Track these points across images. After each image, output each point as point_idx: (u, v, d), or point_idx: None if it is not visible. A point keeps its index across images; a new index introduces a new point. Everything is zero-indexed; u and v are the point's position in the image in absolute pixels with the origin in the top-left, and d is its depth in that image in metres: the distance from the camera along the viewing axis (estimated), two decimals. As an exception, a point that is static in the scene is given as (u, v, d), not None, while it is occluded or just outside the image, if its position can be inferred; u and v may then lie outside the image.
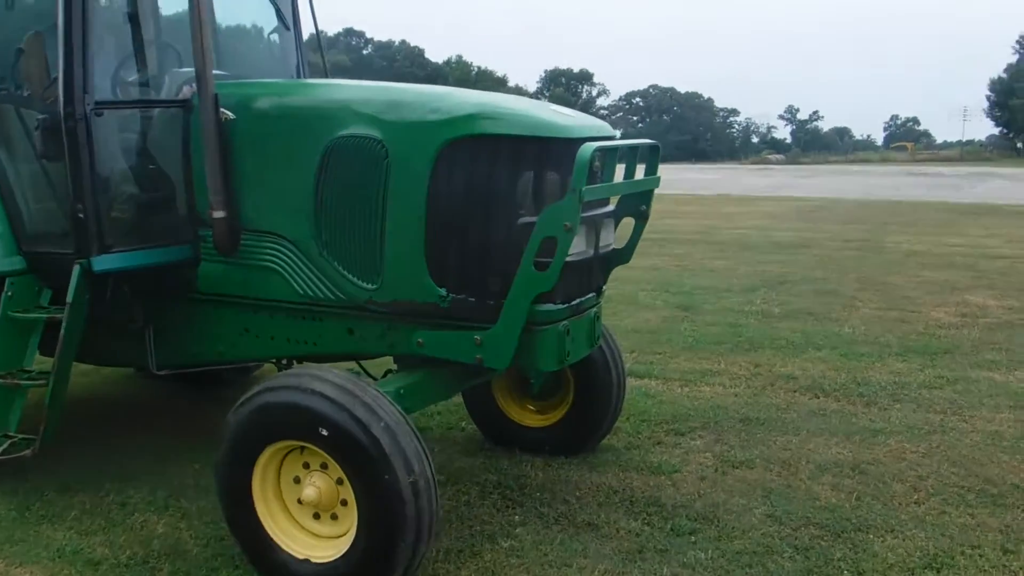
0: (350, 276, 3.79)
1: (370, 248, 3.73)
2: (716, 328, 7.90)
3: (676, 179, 38.98)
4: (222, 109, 3.95)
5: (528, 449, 4.82)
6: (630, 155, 3.96)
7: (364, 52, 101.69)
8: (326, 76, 5.74)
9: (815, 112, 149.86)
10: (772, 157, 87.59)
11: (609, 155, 3.69)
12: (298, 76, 5.51)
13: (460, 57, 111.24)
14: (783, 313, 8.53)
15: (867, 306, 8.90)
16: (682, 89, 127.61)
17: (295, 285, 3.93)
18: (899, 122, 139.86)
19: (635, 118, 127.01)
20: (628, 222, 4.22)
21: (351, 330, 3.95)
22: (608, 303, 8.61)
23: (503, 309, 3.48)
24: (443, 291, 3.58)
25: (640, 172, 4.05)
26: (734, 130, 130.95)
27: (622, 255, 4.25)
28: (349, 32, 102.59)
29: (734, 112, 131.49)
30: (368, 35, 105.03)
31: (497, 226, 3.55)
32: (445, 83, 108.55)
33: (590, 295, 3.97)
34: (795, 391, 6.02)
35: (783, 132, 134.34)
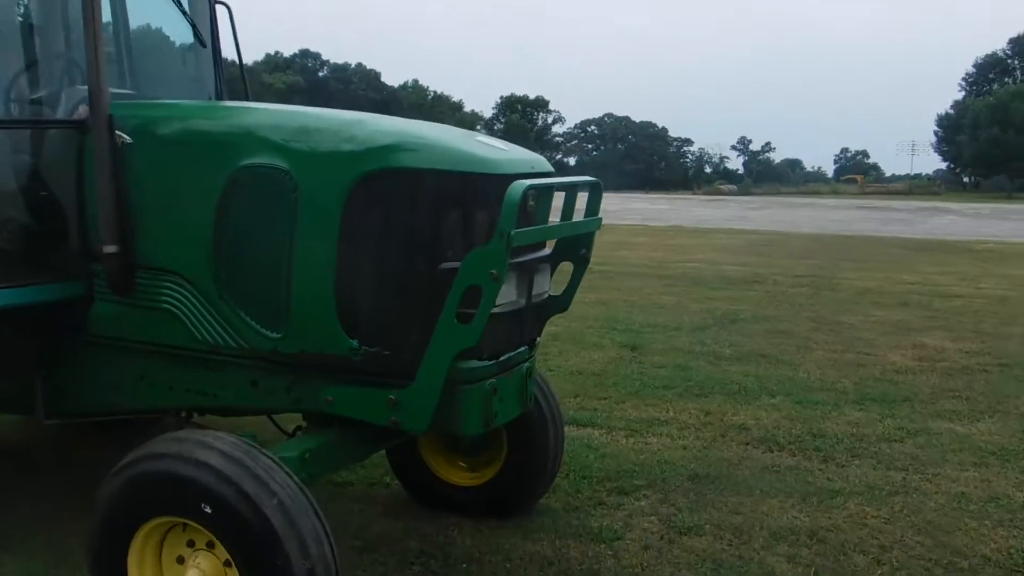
0: (253, 323, 3.39)
1: (274, 292, 3.32)
2: (665, 371, 7.54)
3: (628, 208, 39.17)
4: (117, 132, 3.54)
5: (457, 510, 4.40)
6: (569, 194, 3.59)
7: (320, 74, 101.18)
8: (247, 98, 5.27)
9: (767, 143, 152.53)
10: (725, 187, 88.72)
11: (545, 194, 3.33)
12: (217, 98, 5.07)
13: (416, 81, 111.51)
14: (735, 355, 8.20)
15: (821, 348, 8.62)
16: (637, 118, 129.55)
17: (194, 330, 3.51)
18: (849, 155, 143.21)
19: (590, 146, 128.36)
20: (567, 266, 3.84)
21: (255, 382, 3.54)
22: (553, 341, 8.38)
23: (422, 365, 3.11)
24: (355, 343, 3.19)
25: (580, 213, 3.69)
26: (687, 159, 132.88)
27: (559, 303, 3.88)
28: (305, 53, 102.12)
29: (688, 142, 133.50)
30: (324, 57, 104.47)
31: (416, 272, 3.18)
32: (400, 108, 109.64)
33: (522, 349, 3.60)
34: (748, 443, 5.65)
35: (736, 163, 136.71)
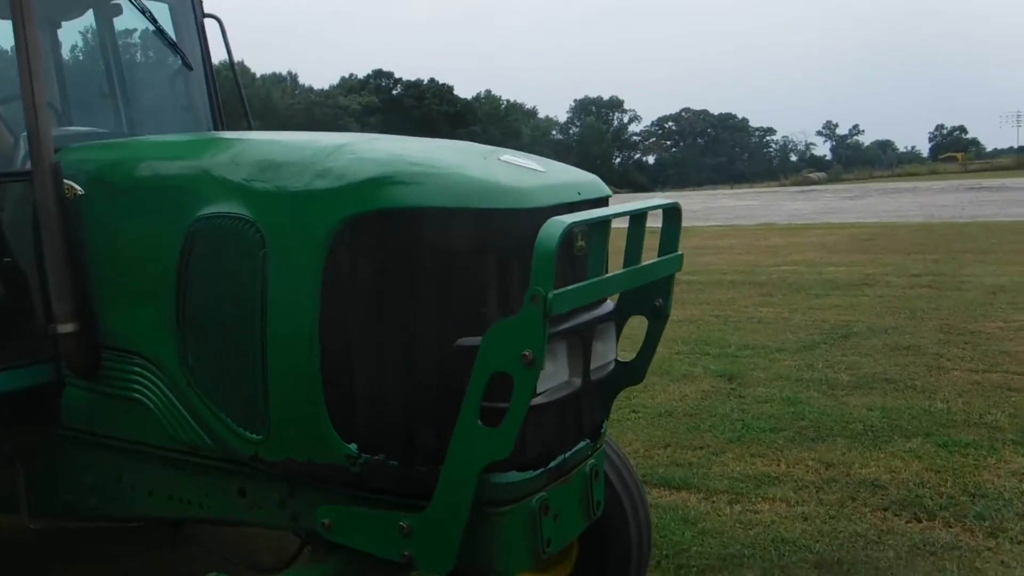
0: (227, 420, 2.68)
1: (248, 381, 2.58)
2: (771, 407, 6.38)
3: (712, 207, 37.54)
4: (66, 181, 2.97)
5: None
6: (636, 224, 2.68)
7: (393, 92, 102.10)
8: (247, 119, 4.44)
9: (855, 126, 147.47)
10: (813, 176, 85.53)
11: (600, 228, 2.49)
12: (214, 124, 4.34)
13: (489, 91, 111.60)
14: (853, 381, 6.96)
15: (958, 367, 7.27)
16: (715, 111, 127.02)
17: (165, 424, 2.88)
18: (945, 131, 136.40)
19: (668, 143, 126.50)
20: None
21: (243, 491, 2.88)
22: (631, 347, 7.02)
23: (439, 481, 2.33)
24: (352, 448, 2.45)
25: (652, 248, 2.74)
26: (771, 149, 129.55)
27: (631, 373, 2.94)
28: (378, 74, 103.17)
29: (770, 131, 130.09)
30: (397, 75, 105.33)
31: (426, 351, 2.38)
32: (475, 119, 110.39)
33: (581, 444, 2.69)
34: (885, 509, 4.49)
35: (822, 149, 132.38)
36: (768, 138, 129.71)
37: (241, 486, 2.85)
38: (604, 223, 2.43)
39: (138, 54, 4.42)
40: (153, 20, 3.81)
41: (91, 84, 4.34)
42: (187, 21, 4.08)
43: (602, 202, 2.76)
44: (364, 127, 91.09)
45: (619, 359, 2.84)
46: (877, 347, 8.10)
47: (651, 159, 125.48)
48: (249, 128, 4.43)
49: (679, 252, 2.76)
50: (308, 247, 2.39)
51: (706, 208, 36.04)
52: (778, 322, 9.59)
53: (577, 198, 2.57)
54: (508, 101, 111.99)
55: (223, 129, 4.23)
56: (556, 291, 2.11)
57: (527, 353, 2.11)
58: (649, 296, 2.79)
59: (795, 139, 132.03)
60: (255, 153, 2.71)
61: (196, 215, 2.66)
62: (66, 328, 2.95)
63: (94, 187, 3.01)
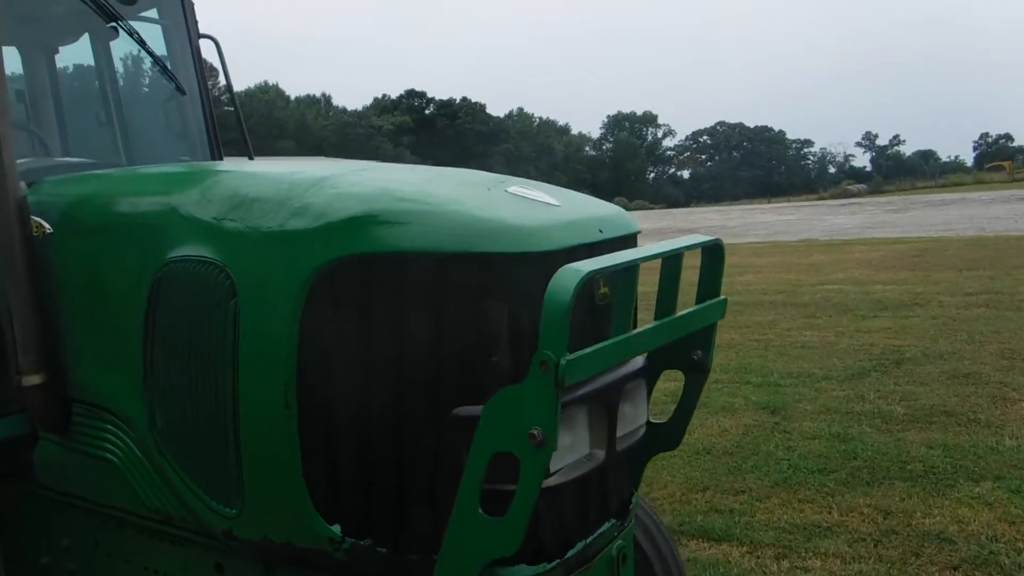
0: (198, 491, 2.37)
1: (219, 449, 2.26)
2: (819, 444, 5.89)
3: (750, 223, 36.84)
4: (36, 219, 2.70)
5: None
6: (668, 266, 2.31)
7: (426, 112, 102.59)
8: (247, 147, 4.14)
9: (896, 136, 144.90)
10: (853, 188, 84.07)
11: (627, 273, 2.13)
12: (211, 150, 4.04)
13: (521, 109, 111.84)
14: (909, 414, 6.44)
15: (1024, 398, 6.73)
16: (751, 123, 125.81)
17: (137, 490, 2.58)
18: (990, 139, 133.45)
19: (703, 156, 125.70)
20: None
21: (220, 567, 2.54)
22: (671, 405, 6.35)
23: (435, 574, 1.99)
24: (336, 531, 2.11)
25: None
26: (809, 161, 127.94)
27: (666, 437, 2.56)
28: (411, 93, 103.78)
29: (808, 143, 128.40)
30: (430, 95, 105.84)
31: (417, 420, 2.05)
32: (507, 137, 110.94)
33: (607, 526, 2.33)
34: (955, 568, 4.03)
35: (862, 160, 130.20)
36: (806, 150, 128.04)
37: (218, 561, 2.52)
38: (631, 268, 2.03)
39: (134, 79, 4.16)
40: (142, 43, 3.52)
41: (88, 112, 4.09)
42: (181, 43, 3.80)
43: (629, 240, 2.38)
44: (397, 147, 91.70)
45: (651, 419, 2.44)
46: (933, 375, 7.56)
47: (686, 173, 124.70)
48: (249, 158, 4.10)
49: (722, 296, 2.35)
50: (282, 297, 2.06)
51: (744, 224, 35.37)
52: (823, 347, 9.06)
53: (598, 237, 2.20)
54: (541, 118, 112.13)
55: (220, 157, 3.93)
56: (570, 356, 1.73)
57: (535, 432, 1.76)
58: (686, 348, 2.38)
59: (833, 151, 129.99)
60: (226, 188, 2.38)
61: (164, 259, 2.35)
62: (32, 380, 2.66)
63: (64, 225, 2.71)
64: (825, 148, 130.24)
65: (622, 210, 2.50)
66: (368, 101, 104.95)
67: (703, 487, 5.20)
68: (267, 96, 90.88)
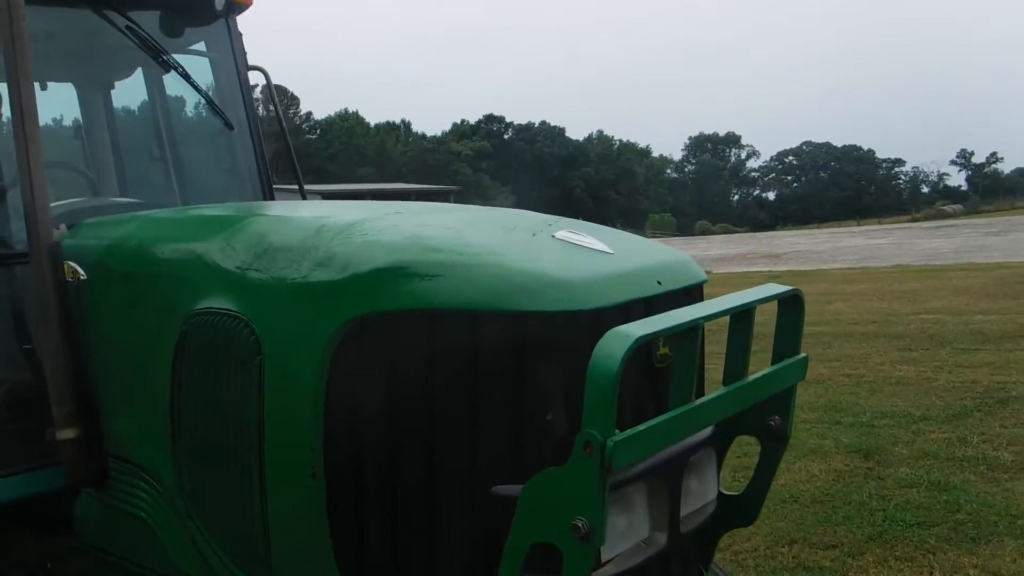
0: (224, 557, 2.24)
1: (246, 516, 2.10)
2: (917, 493, 5.43)
3: (839, 248, 35.67)
4: (70, 264, 2.61)
5: None
6: (739, 323, 2.04)
7: (505, 137, 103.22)
8: (298, 180, 4.02)
9: (993, 154, 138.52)
10: (948, 208, 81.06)
11: (689, 332, 1.87)
12: (262, 187, 3.91)
13: (601, 132, 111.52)
14: (1018, 461, 5.90)
15: None
16: (838, 143, 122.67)
17: (170, 552, 2.43)
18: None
19: (789, 178, 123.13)
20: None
21: None
22: (755, 448, 5.84)
23: None
24: None
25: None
26: (900, 181, 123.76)
27: (739, 511, 2.26)
28: (489, 118, 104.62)
29: (899, 162, 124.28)
30: (508, 119, 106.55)
31: (450, 496, 1.88)
32: (587, 161, 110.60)
33: None
34: (1078, 645, 3.55)
35: (957, 179, 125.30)
36: (897, 169, 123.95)
37: None
38: (692, 328, 1.78)
39: (186, 115, 4.10)
40: (187, 77, 3.45)
41: (141, 149, 4.08)
42: (229, 75, 3.71)
43: (694, 292, 2.12)
44: (476, 172, 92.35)
45: (723, 490, 2.16)
46: (1044, 417, 6.97)
47: (771, 195, 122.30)
48: (300, 190, 4.01)
49: (802, 354, 2.07)
50: (307, 356, 1.89)
51: (832, 248, 34.27)
52: (920, 383, 8.50)
53: (656, 290, 1.98)
54: (620, 141, 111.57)
55: (271, 194, 3.84)
56: (619, 435, 1.49)
57: (579, 523, 1.53)
58: (762, 412, 2.11)
59: (926, 170, 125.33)
60: (252, 235, 2.24)
61: (190, 309, 2.22)
62: (66, 434, 2.55)
63: (97, 271, 2.60)
64: (917, 167, 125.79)
65: (686, 256, 2.26)
66: (447, 127, 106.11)
67: (790, 540, 4.82)
68: (347, 124, 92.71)
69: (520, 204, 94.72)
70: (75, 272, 2.62)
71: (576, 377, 1.69)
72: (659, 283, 2.01)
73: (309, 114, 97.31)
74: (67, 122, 3.85)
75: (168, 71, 3.43)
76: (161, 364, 2.30)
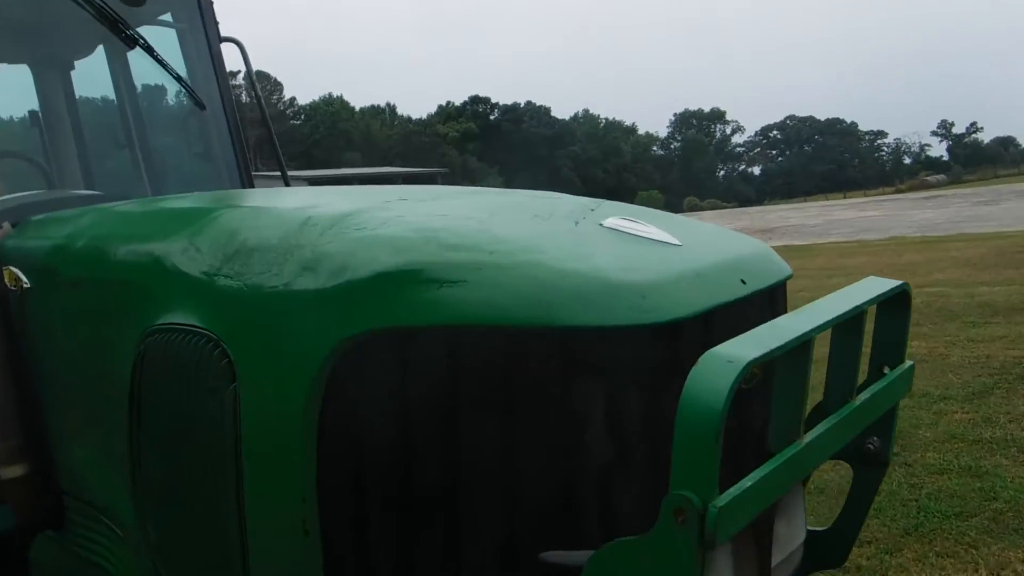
0: None
1: (222, 566, 1.69)
2: (949, 480, 5.13)
3: (832, 220, 35.43)
4: (11, 269, 2.25)
5: None
6: (845, 335, 1.72)
7: (491, 118, 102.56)
8: (280, 165, 3.62)
9: (973, 123, 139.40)
10: (932, 178, 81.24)
11: (800, 350, 1.51)
12: (240, 174, 3.49)
13: (587, 111, 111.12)
14: (1051, 442, 5.62)
15: None
16: (821, 116, 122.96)
17: None
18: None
19: (774, 152, 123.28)
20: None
21: None
22: None
23: None
24: None
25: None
26: (883, 153, 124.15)
27: (829, 551, 1.98)
28: (475, 99, 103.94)
29: (881, 134, 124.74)
30: (494, 100, 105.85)
31: (484, 563, 1.48)
32: (573, 140, 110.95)
33: None
34: None
35: (938, 149, 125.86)
36: (879, 141, 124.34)
37: None
38: (803, 347, 1.42)
39: (153, 95, 3.65)
40: (149, 50, 3.02)
41: (104, 135, 3.67)
42: (199, 49, 3.29)
43: (778, 292, 1.78)
44: (463, 154, 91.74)
45: (810, 528, 1.84)
46: (1069, 392, 6.69)
47: (757, 170, 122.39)
48: (283, 176, 3.59)
49: (907, 362, 1.75)
50: (293, 385, 1.49)
51: (825, 222, 33.99)
52: (934, 360, 8.21)
53: (741, 291, 1.59)
54: (607, 119, 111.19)
55: (249, 181, 3.43)
56: (723, 497, 1.14)
57: None
58: (859, 434, 1.77)
59: (908, 141, 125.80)
60: (220, 231, 1.83)
61: (149, 324, 1.82)
62: (11, 472, 2.20)
63: (42, 278, 2.21)
64: (899, 138, 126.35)
65: (766, 247, 1.88)
66: (432, 109, 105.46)
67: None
68: (332, 108, 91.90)
69: (508, 185, 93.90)
70: (17, 279, 2.25)
71: (648, 412, 1.35)
72: (743, 282, 1.62)
73: (293, 99, 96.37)
74: (21, 108, 3.45)
75: (132, 47, 2.99)
76: (117, 390, 1.90)
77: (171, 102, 3.56)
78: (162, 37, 3.18)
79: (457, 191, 2.10)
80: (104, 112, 3.64)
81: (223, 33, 3.32)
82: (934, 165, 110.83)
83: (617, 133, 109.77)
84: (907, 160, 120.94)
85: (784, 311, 1.88)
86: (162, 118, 3.64)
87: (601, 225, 1.69)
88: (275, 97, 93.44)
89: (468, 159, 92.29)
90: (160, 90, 3.60)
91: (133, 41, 2.93)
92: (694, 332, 1.39)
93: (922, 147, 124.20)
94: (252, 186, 3.40)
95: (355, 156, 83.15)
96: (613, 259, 1.51)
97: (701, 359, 1.19)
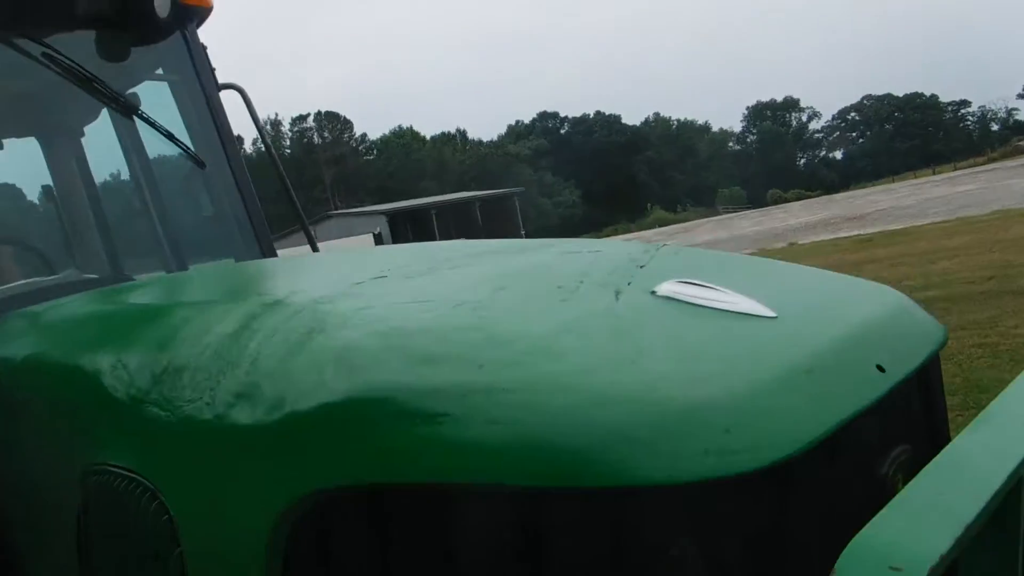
0: None
1: None
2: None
3: (926, 200, 33.76)
4: None
5: None
6: None
7: (561, 132, 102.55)
8: (304, 225, 3.24)
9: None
10: (1024, 143, 77.42)
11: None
12: (256, 236, 3.13)
13: (658, 114, 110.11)
14: None
15: None
16: (899, 92, 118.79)
17: None
18: None
19: (854, 134, 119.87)
20: None
21: None
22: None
23: None
24: None
25: None
26: (968, 122, 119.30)
27: None
28: (544, 115, 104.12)
29: (964, 103, 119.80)
30: (562, 114, 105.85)
31: None
32: (648, 145, 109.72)
33: None
34: None
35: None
36: (963, 111, 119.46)
37: None
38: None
39: (157, 159, 3.29)
40: (132, 110, 2.72)
41: (113, 208, 3.36)
42: (195, 100, 2.98)
43: (931, 372, 1.38)
44: (537, 171, 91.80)
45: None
46: None
47: (838, 154, 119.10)
48: (310, 242, 3.23)
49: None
50: (245, 553, 1.11)
51: (919, 202, 32.47)
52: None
53: (881, 387, 1.12)
54: (679, 120, 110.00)
55: (267, 246, 3.08)
56: None
57: None
58: None
59: (993, 107, 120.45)
60: (151, 340, 1.46)
61: (88, 464, 1.47)
62: None
63: (20, 378, 1.88)
64: (984, 106, 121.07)
65: (901, 298, 1.38)
66: (503, 129, 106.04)
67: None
68: (403, 140, 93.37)
69: (586, 197, 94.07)
70: None
71: None
72: (881, 369, 1.14)
73: (364, 135, 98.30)
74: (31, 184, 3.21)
75: (139, 106, 2.73)
76: (65, 540, 1.55)
77: (172, 164, 3.24)
78: (156, 93, 2.89)
79: (462, 255, 1.66)
80: (118, 183, 3.37)
81: (222, 80, 2.97)
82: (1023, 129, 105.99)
83: (691, 133, 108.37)
84: (995, 127, 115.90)
85: (940, 391, 1.46)
86: (165, 183, 3.31)
87: (654, 294, 1.24)
88: (346, 135, 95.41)
89: (543, 175, 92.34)
90: (165, 151, 3.25)
91: (107, 98, 2.65)
92: (809, 467, 0.94)
93: (1009, 112, 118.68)
94: (270, 245, 3.07)
95: (430, 185, 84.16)
96: (674, 363, 1.04)
97: (841, 563, 0.72)
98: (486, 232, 77.20)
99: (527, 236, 79.03)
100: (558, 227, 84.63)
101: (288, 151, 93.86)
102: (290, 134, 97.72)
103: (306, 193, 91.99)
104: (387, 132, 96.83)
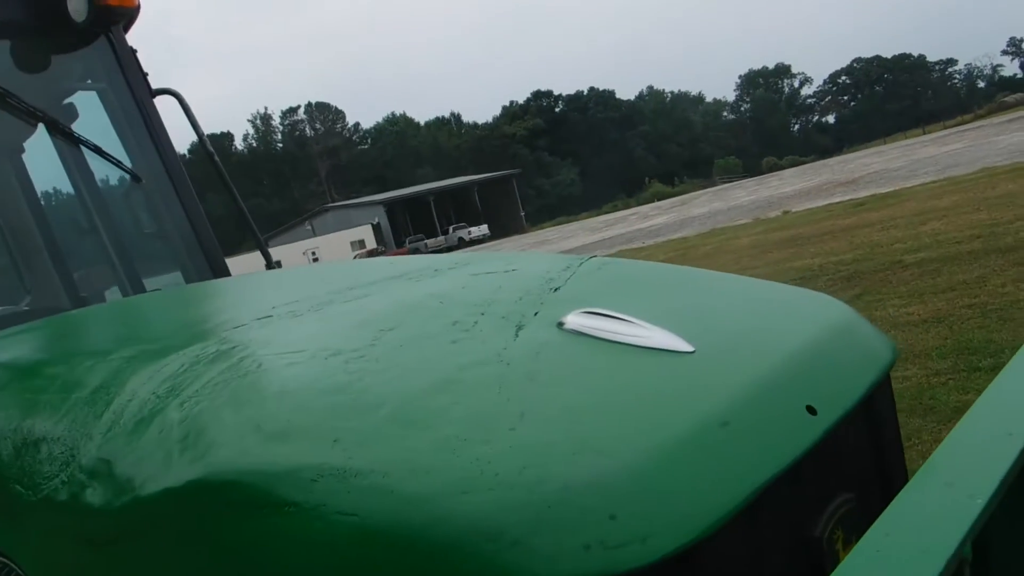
0: None
1: None
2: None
3: (916, 160, 33.75)
4: None
5: None
6: None
7: (556, 110, 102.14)
8: (257, 238, 3.04)
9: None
10: (1009, 99, 77.39)
11: None
12: (203, 251, 3.00)
13: (651, 87, 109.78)
14: None
15: None
16: (887, 54, 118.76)
17: None
18: None
19: (845, 97, 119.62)
20: None
21: None
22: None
23: None
24: None
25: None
26: (956, 81, 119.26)
27: None
28: (538, 95, 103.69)
29: (951, 62, 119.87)
30: (556, 92, 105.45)
31: None
32: (643, 120, 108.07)
33: None
34: None
35: (1011, 68, 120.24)
36: (950, 70, 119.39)
37: None
38: None
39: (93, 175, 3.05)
40: (53, 124, 2.54)
41: (69, 225, 3.13)
42: (127, 109, 2.76)
43: (877, 399, 1.16)
44: (534, 151, 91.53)
45: None
46: None
47: (831, 119, 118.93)
48: (265, 258, 3.02)
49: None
50: None
51: (909, 163, 32.55)
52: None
53: (812, 433, 0.97)
54: (672, 92, 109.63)
55: (215, 253, 2.89)
56: None
57: None
58: None
59: (979, 64, 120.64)
60: (14, 403, 1.34)
61: None
62: None
63: None
64: (970, 63, 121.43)
65: (845, 311, 1.28)
66: (497, 111, 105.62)
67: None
68: (397, 127, 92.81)
69: (584, 174, 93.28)
70: None
71: None
72: (811, 411, 0.98)
73: (357, 125, 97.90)
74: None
75: (77, 117, 2.60)
76: None
77: (118, 178, 2.98)
78: (87, 104, 2.71)
79: (369, 281, 1.52)
80: (61, 200, 3.11)
81: (156, 85, 2.79)
82: (1010, 85, 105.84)
83: (685, 105, 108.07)
84: (981, 84, 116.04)
85: (891, 420, 1.26)
86: (113, 198, 3.03)
87: (560, 326, 1.10)
88: (339, 126, 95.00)
89: (540, 155, 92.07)
90: (104, 167, 2.96)
91: (75, 113, 2.56)
92: (724, 543, 0.82)
93: (994, 68, 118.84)
94: (219, 260, 2.85)
95: (427, 171, 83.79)
96: (561, 426, 0.88)
97: None
98: (486, 216, 76.79)
99: (526, 217, 78.16)
100: (557, 206, 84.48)
101: (280, 145, 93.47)
102: (281, 128, 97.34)
103: (302, 187, 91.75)
104: (380, 120, 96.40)
